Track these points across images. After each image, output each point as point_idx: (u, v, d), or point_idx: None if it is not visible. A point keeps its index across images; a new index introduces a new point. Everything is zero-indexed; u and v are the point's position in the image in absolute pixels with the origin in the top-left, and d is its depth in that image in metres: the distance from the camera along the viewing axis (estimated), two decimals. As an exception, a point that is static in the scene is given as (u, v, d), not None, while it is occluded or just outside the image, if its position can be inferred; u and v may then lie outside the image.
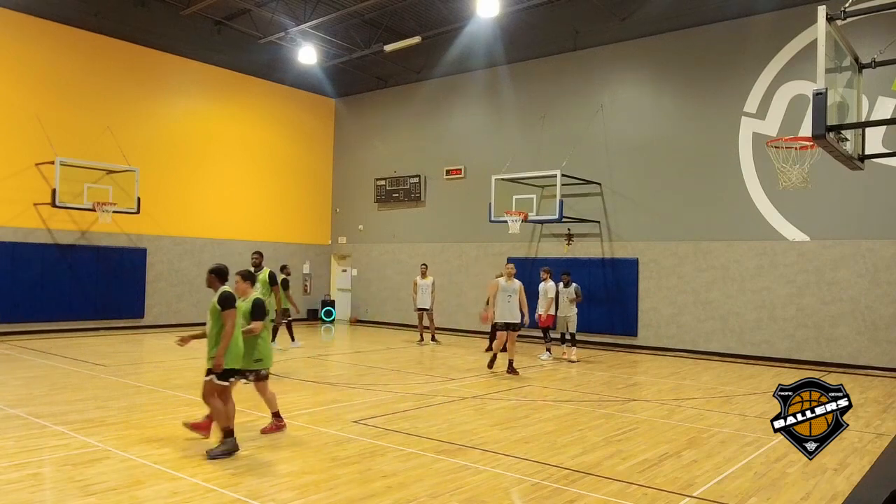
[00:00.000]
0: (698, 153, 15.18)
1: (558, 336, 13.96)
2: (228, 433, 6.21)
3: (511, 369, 11.39)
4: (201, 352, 14.45)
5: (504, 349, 11.71)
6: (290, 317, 14.62)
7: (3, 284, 15.19)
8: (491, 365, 11.85)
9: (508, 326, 11.43)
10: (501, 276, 14.85)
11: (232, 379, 6.45)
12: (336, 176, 22.94)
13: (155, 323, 17.77)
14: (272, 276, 11.26)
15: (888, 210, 12.89)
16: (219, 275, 6.52)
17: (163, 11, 17.90)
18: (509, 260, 17.66)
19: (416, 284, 16.03)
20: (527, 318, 11.55)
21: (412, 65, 20.27)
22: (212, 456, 6.00)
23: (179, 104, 18.84)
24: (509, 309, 11.36)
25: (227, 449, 6.12)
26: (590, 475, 5.76)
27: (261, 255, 12.02)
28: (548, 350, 13.79)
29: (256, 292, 6.92)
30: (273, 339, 14.51)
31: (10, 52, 15.64)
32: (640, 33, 16.06)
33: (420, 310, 15.97)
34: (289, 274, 14.80)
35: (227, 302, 6.30)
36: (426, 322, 16.16)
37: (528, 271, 16.22)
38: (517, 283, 11.48)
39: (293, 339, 14.62)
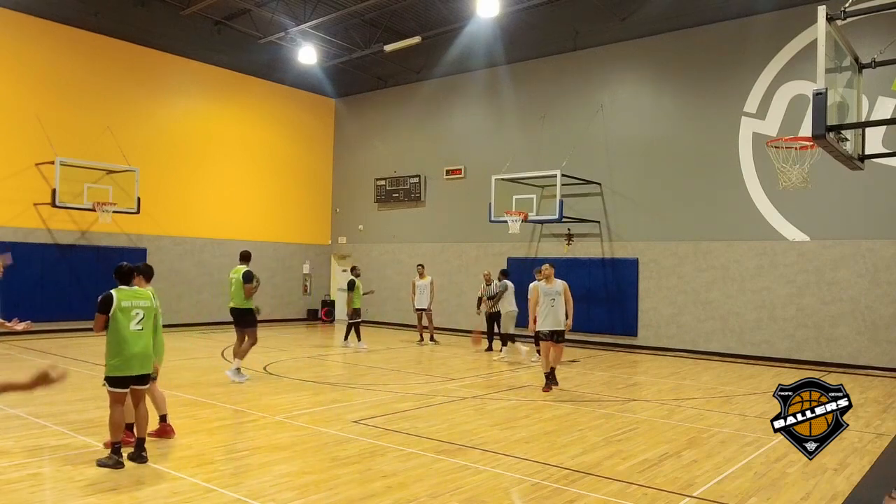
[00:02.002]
0: (698, 153, 15.18)
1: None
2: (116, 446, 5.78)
3: (551, 377, 9.99)
4: (201, 352, 14.42)
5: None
6: (360, 317, 14.91)
7: (4, 284, 15.15)
8: (548, 387, 9.92)
9: (554, 335, 9.93)
10: (487, 276, 14.89)
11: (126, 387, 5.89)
12: (336, 176, 22.94)
13: (155, 323, 17.74)
14: (246, 275, 10.27)
15: (888, 210, 12.89)
16: (116, 275, 6.07)
17: (163, 11, 17.90)
18: (509, 260, 17.67)
19: (414, 285, 16.07)
20: (570, 323, 10.05)
21: (412, 65, 20.27)
22: (99, 463, 5.68)
23: (179, 104, 18.84)
24: (553, 315, 9.86)
25: (112, 463, 5.64)
26: (590, 475, 5.76)
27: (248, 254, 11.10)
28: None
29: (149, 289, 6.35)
30: (346, 338, 14.78)
31: (10, 52, 15.64)
32: (640, 33, 16.06)
33: (419, 310, 16.02)
34: (358, 275, 15.12)
35: (98, 305, 5.86)
36: (425, 322, 16.18)
37: (528, 271, 16.22)
38: (560, 284, 9.99)
39: (359, 340, 14.83)
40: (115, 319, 5.84)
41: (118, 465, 5.65)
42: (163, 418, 6.66)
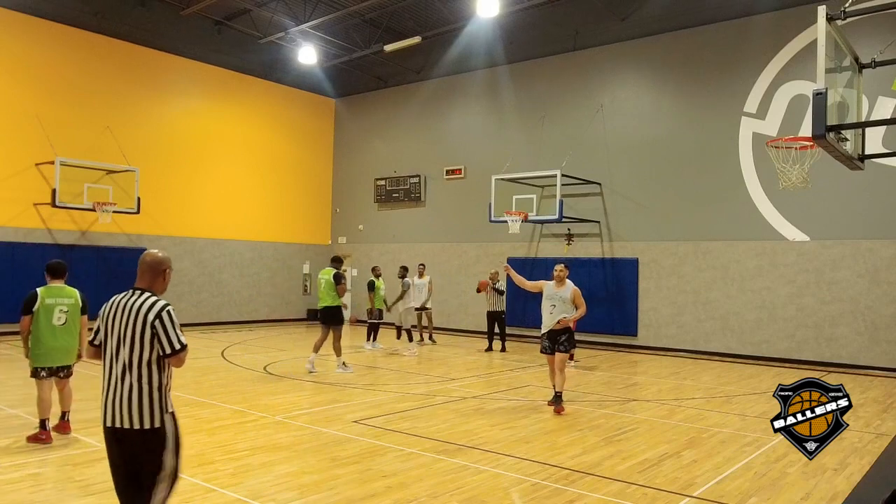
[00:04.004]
0: (698, 153, 15.19)
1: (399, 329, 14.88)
2: (42, 424, 6.52)
3: (557, 401, 8.43)
4: (202, 352, 14.45)
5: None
6: (377, 317, 14.94)
7: (3, 284, 15.19)
8: (556, 404, 8.44)
9: (551, 343, 8.51)
10: (494, 276, 14.78)
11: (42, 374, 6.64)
12: (336, 176, 22.94)
13: (155, 323, 17.75)
14: (336, 277, 11.33)
15: (888, 210, 12.89)
16: (47, 271, 6.65)
17: (163, 11, 17.90)
18: (509, 260, 17.65)
19: (413, 284, 15.93)
20: (566, 319, 8.42)
21: (412, 65, 20.27)
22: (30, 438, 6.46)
23: (179, 104, 18.84)
24: (551, 322, 8.48)
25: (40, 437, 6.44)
26: (590, 475, 5.76)
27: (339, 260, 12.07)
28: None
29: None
30: (368, 339, 14.76)
31: (10, 52, 15.63)
32: (640, 33, 16.07)
33: (417, 309, 15.92)
34: (378, 275, 15.12)
35: (25, 304, 6.58)
36: (424, 321, 16.13)
37: (528, 271, 16.21)
38: (569, 290, 8.49)
39: (375, 339, 14.90)
40: (37, 316, 6.55)
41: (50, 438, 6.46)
42: (63, 415, 6.87)
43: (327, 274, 11.32)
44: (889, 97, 12.53)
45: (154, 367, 3.47)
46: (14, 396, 8.72)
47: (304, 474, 5.65)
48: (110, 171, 16.68)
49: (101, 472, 5.55)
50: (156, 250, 3.73)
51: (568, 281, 8.62)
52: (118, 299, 3.58)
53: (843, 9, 5.06)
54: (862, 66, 5.85)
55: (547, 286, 8.65)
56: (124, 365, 3.44)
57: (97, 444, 6.38)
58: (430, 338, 16.17)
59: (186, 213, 18.82)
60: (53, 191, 15.35)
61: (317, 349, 11.34)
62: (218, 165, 19.62)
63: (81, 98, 16.77)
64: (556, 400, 8.41)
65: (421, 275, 15.91)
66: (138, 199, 16.72)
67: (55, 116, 16.23)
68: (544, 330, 8.58)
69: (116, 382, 3.44)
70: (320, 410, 8.31)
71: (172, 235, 18.45)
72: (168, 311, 3.50)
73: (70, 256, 16.46)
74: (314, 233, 22.41)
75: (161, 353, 3.47)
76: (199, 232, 19.12)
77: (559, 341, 8.45)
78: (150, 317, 3.44)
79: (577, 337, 15.25)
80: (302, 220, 21.97)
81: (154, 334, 3.44)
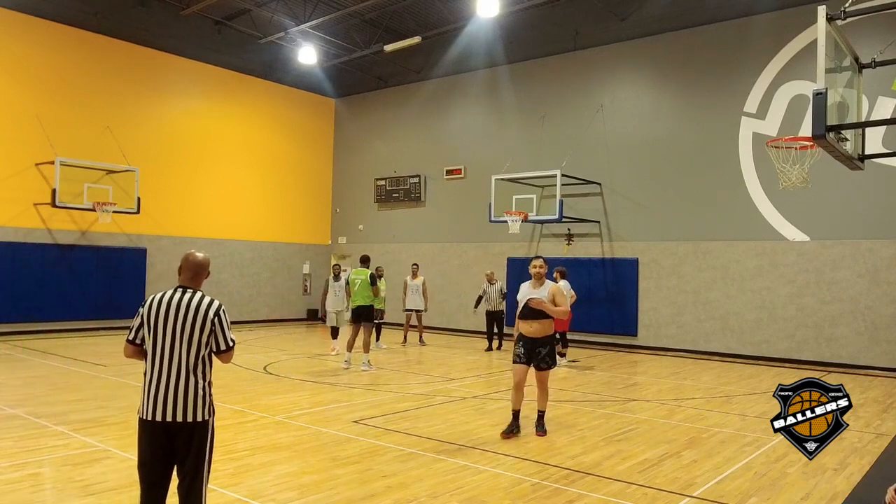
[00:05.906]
0: (698, 153, 15.19)
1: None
2: None
3: (539, 424, 7.19)
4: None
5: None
6: (380, 318, 14.73)
7: (3, 284, 15.19)
8: (509, 432, 7.02)
9: (528, 352, 7.01)
10: (490, 276, 14.65)
11: None
12: (336, 176, 22.94)
13: (155, 323, 17.73)
14: (371, 277, 11.80)
15: (888, 210, 12.89)
16: None
17: (163, 11, 17.90)
18: (509, 260, 17.65)
19: (406, 284, 15.80)
20: (536, 302, 6.96)
21: (412, 65, 20.27)
22: None
23: (179, 104, 18.84)
24: (524, 328, 7.09)
25: None
26: (590, 475, 5.76)
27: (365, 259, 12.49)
28: (561, 355, 12.69)
29: None
30: (377, 339, 14.63)
31: (10, 52, 15.64)
32: (640, 33, 16.07)
33: (408, 310, 15.74)
34: (380, 276, 14.74)
35: None
36: (413, 322, 15.91)
37: (527, 271, 16.23)
38: (547, 289, 7.08)
39: (376, 340, 14.63)
40: None
41: None
42: None
43: (362, 274, 11.77)
44: (889, 97, 12.53)
45: (207, 363, 3.62)
46: (14, 396, 8.72)
47: (304, 474, 5.64)
48: (110, 171, 16.69)
49: (101, 472, 5.56)
50: (195, 251, 3.84)
51: (547, 280, 7.26)
52: (165, 297, 3.61)
53: (843, 9, 5.06)
54: (862, 66, 5.85)
55: (522, 287, 7.28)
56: (180, 361, 3.52)
57: (97, 444, 6.38)
58: (420, 339, 15.96)
59: (186, 213, 18.82)
60: (53, 191, 15.35)
61: (350, 347, 11.79)
62: (218, 165, 19.62)
63: (81, 98, 16.77)
64: (539, 421, 7.18)
65: (414, 275, 15.68)
66: (138, 199, 16.73)
67: (55, 116, 16.23)
68: (519, 343, 7.09)
69: (169, 378, 3.50)
70: (320, 410, 8.31)
71: (172, 235, 18.45)
72: (224, 310, 3.67)
73: (70, 256, 16.50)
74: (314, 233, 22.41)
75: (214, 350, 3.64)
76: (199, 232, 19.12)
77: (539, 355, 6.97)
78: (211, 314, 3.59)
79: (577, 337, 15.41)
80: (302, 220, 21.97)
81: (212, 331, 3.59)
